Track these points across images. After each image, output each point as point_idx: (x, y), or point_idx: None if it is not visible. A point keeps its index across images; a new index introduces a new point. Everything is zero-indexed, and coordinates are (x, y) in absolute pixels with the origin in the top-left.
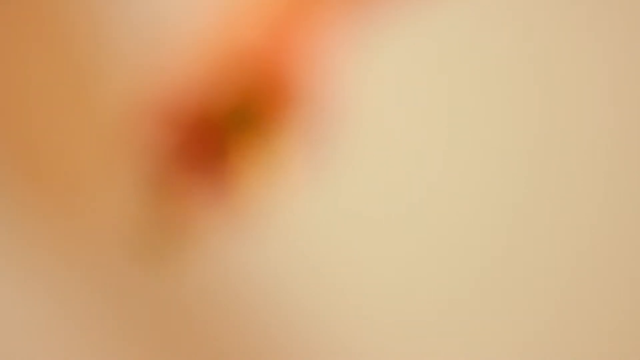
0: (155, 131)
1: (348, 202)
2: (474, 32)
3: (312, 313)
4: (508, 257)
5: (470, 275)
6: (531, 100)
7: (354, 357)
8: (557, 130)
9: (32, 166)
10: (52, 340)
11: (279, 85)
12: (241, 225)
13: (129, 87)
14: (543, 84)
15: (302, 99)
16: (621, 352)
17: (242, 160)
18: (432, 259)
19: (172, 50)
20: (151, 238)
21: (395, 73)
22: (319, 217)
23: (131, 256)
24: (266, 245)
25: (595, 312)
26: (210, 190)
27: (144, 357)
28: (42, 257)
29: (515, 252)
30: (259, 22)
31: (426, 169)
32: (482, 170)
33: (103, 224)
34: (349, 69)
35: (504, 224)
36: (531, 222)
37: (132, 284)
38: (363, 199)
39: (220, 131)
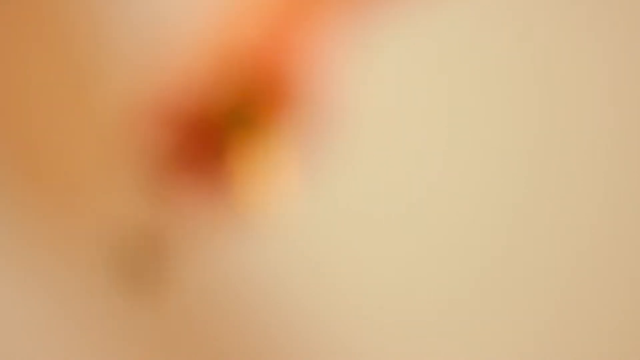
0: (155, 131)
1: (347, 202)
2: (474, 32)
3: (312, 313)
4: (508, 257)
5: (470, 276)
6: (531, 100)
7: (354, 357)
8: (557, 130)
9: (32, 166)
10: (52, 340)
11: (278, 85)
12: (240, 224)
13: (129, 87)
14: (543, 84)
15: (301, 98)
16: (621, 352)
17: (241, 160)
18: (432, 259)
19: (171, 50)
20: (150, 239)
21: (395, 73)
22: (318, 217)
23: (130, 256)
24: (265, 245)
25: (595, 312)
26: (209, 189)
27: (144, 357)
28: (42, 257)
29: (515, 252)
30: (258, 22)
31: (426, 169)
32: (482, 170)
33: (103, 224)
34: (348, 68)
35: (504, 224)
36: (531, 222)
37: (131, 284)
38: (362, 199)
39: (220, 131)
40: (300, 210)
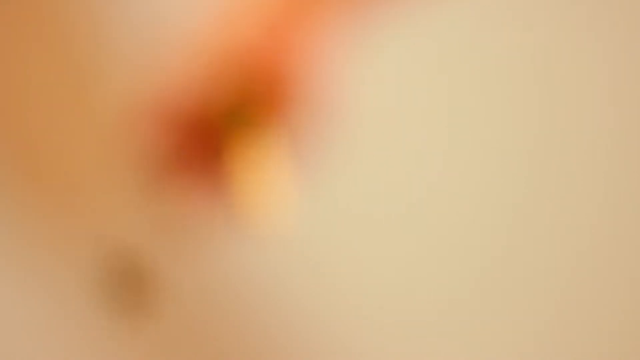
0: (154, 131)
1: (347, 202)
2: (474, 32)
3: (312, 313)
4: (508, 257)
5: (470, 275)
6: (531, 100)
7: (354, 357)
8: (557, 130)
9: (32, 166)
10: (52, 340)
11: (278, 85)
12: (240, 224)
13: (129, 87)
14: (543, 84)
15: (301, 98)
16: (621, 352)
17: (240, 159)
18: (432, 259)
19: (171, 50)
20: (150, 239)
21: (395, 73)
22: (317, 216)
23: (130, 256)
24: (265, 245)
25: (595, 312)
26: (209, 189)
27: (144, 357)
28: (42, 257)
29: (515, 252)
30: (258, 21)
31: (426, 169)
32: (482, 170)
33: (103, 224)
34: (348, 68)
35: (504, 224)
36: (531, 222)
37: (131, 285)
38: (362, 199)
39: (219, 131)
40: (299, 210)
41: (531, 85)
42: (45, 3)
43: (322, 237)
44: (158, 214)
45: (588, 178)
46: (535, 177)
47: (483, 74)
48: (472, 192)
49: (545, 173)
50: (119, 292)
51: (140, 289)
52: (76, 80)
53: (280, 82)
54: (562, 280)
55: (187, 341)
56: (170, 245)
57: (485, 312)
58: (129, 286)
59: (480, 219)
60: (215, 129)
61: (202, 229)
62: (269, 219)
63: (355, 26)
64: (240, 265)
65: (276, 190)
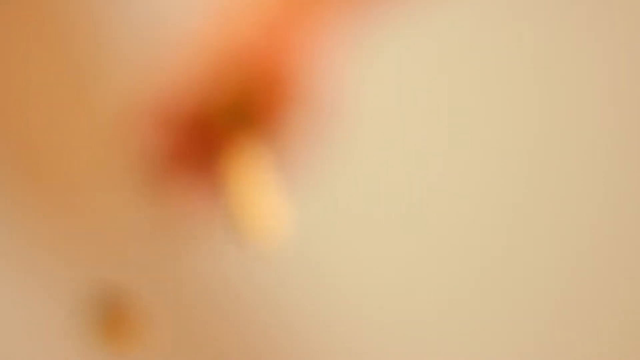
0: (154, 131)
1: (347, 202)
2: (474, 32)
3: (312, 313)
4: (508, 257)
5: (470, 276)
6: (531, 100)
7: (354, 357)
8: (557, 130)
9: (32, 166)
10: (52, 340)
11: (278, 85)
12: (239, 224)
13: (129, 87)
14: (543, 84)
15: (300, 98)
16: (621, 352)
17: (239, 160)
18: (432, 259)
19: (171, 50)
20: (149, 239)
21: (395, 73)
22: (317, 217)
23: (130, 257)
24: (264, 245)
25: (595, 312)
26: (208, 189)
27: (144, 357)
28: (42, 257)
29: (515, 252)
30: (257, 21)
31: (426, 169)
32: (482, 170)
33: (103, 224)
34: (348, 68)
35: (504, 224)
36: (531, 222)
37: (131, 286)
38: (362, 199)
39: (218, 131)
40: (299, 210)
41: (531, 85)
42: (45, 3)
43: (321, 238)
44: (157, 214)
45: (588, 178)
46: (536, 177)
47: (483, 74)
48: (472, 192)
49: (546, 173)
50: (119, 292)
51: (139, 290)
52: (76, 80)
53: (280, 82)
54: (562, 280)
55: (186, 343)
56: (169, 246)
57: (485, 312)
58: (127, 288)
59: (481, 219)
60: (215, 129)
61: (202, 228)
62: (268, 220)
63: (355, 26)
64: (239, 266)
65: (275, 191)
